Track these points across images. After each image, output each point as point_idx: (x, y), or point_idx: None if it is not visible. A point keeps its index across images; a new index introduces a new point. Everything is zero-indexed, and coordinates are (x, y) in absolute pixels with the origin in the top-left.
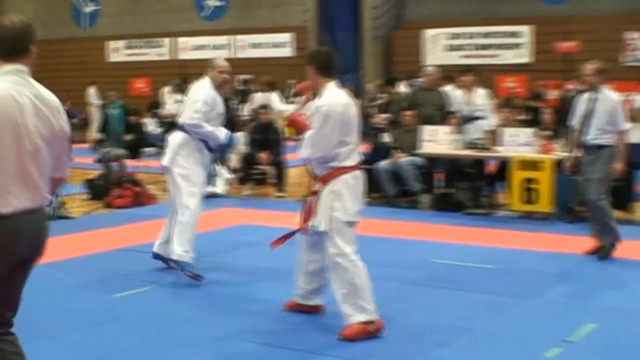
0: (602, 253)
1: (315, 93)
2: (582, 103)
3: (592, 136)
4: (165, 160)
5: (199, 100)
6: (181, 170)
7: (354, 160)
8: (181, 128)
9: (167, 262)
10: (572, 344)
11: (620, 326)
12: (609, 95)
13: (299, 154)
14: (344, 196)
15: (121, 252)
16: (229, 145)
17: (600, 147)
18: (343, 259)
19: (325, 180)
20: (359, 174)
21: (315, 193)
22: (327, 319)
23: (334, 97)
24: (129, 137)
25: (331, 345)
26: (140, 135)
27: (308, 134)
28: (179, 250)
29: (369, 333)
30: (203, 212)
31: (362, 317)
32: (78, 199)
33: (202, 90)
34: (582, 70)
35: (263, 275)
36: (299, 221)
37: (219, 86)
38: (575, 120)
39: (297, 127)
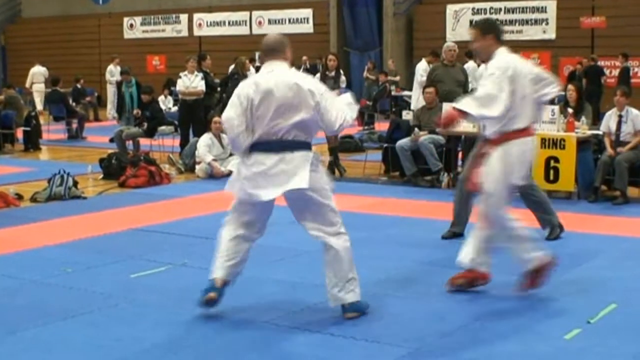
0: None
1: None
2: None
3: None
4: None
5: None
6: None
7: (525, 123)
8: None
9: None
10: (590, 325)
11: (639, 306)
12: None
13: (466, 110)
14: (512, 160)
15: (136, 232)
16: None
17: None
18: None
19: (495, 143)
20: (530, 139)
21: (482, 155)
22: None
23: (510, 59)
24: (137, 111)
25: (348, 326)
26: (156, 113)
27: (481, 92)
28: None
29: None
30: (218, 191)
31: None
32: (91, 179)
33: None
34: None
35: (278, 256)
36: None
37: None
38: None
39: (451, 122)
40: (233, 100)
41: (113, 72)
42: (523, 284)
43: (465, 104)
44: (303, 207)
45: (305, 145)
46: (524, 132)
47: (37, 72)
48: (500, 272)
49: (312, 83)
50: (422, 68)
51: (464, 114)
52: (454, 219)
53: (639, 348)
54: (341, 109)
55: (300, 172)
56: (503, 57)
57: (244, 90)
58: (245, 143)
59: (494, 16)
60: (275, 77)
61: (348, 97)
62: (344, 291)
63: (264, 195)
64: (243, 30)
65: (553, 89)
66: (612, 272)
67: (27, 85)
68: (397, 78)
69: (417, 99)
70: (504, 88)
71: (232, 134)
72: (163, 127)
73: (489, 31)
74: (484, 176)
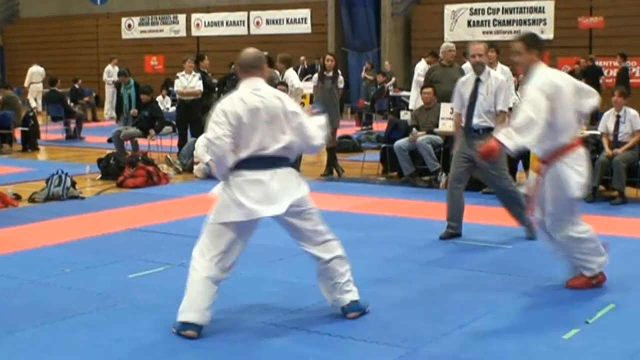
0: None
1: None
2: None
3: None
4: None
5: None
6: None
7: (570, 137)
8: None
9: None
10: (589, 325)
11: (637, 306)
12: None
13: (505, 144)
14: (567, 176)
15: (134, 232)
16: None
17: None
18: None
19: (547, 162)
20: (579, 151)
21: (538, 177)
22: None
23: (550, 76)
24: (134, 111)
25: (347, 326)
26: (155, 113)
27: (521, 119)
28: None
29: (593, 285)
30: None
31: (588, 273)
32: (89, 179)
33: None
34: None
35: (277, 256)
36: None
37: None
38: None
39: (492, 154)
40: (219, 118)
41: (111, 72)
42: (570, 282)
43: (505, 135)
44: (291, 220)
45: (290, 163)
46: (572, 146)
47: (36, 72)
48: (498, 272)
49: (292, 104)
50: (421, 68)
51: (503, 145)
52: (449, 219)
53: (637, 348)
54: (318, 130)
55: (295, 185)
56: (543, 74)
57: (231, 108)
58: (230, 163)
59: (491, 16)
60: (262, 96)
61: (322, 119)
62: (341, 294)
63: (267, 211)
64: (241, 30)
65: (593, 101)
66: (610, 272)
67: (26, 84)
68: (392, 80)
69: (415, 99)
70: (542, 110)
71: (220, 153)
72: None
73: (534, 46)
74: (546, 200)
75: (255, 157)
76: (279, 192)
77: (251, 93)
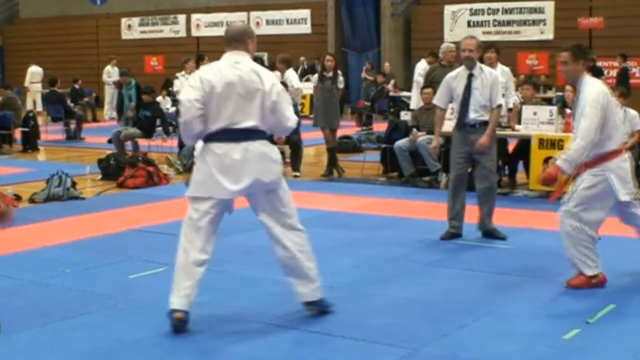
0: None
1: None
2: None
3: None
4: None
5: None
6: None
7: (618, 144)
8: None
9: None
10: (589, 325)
11: (637, 306)
12: None
13: (565, 168)
14: (613, 181)
15: (134, 232)
16: None
17: None
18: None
19: (590, 165)
20: (624, 157)
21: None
22: (340, 301)
23: (601, 87)
24: (132, 105)
25: (347, 327)
26: (157, 114)
27: (582, 139)
28: None
29: (592, 285)
30: None
31: (590, 271)
32: (90, 179)
33: None
34: None
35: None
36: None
37: None
38: None
39: (554, 180)
40: (195, 83)
41: (110, 72)
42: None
43: (565, 160)
44: (264, 198)
45: (266, 136)
46: (619, 152)
47: (35, 72)
48: (498, 273)
49: (272, 80)
50: (422, 68)
51: (563, 170)
52: (450, 219)
53: (637, 348)
54: (292, 113)
55: (269, 162)
56: (592, 85)
57: (208, 76)
58: (197, 130)
59: (491, 17)
60: (240, 70)
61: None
62: (305, 287)
63: (237, 188)
64: None
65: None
66: (610, 272)
67: (26, 84)
68: (392, 82)
69: (417, 99)
70: (596, 122)
71: (188, 117)
72: (161, 128)
73: (580, 57)
74: (581, 198)
75: (227, 130)
76: (247, 170)
77: (230, 66)
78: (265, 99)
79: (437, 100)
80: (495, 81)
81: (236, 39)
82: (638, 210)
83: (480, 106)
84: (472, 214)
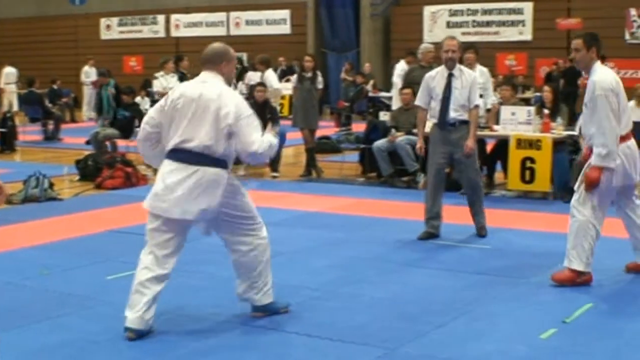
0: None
1: None
2: None
3: None
4: None
5: None
6: None
7: (626, 130)
8: None
9: None
10: (566, 324)
11: (615, 306)
12: None
13: (606, 165)
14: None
15: (112, 233)
16: None
17: None
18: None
19: None
20: (631, 142)
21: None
22: (318, 301)
23: (611, 74)
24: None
25: (324, 327)
26: (138, 115)
27: (605, 134)
28: None
29: (577, 283)
30: None
31: (581, 267)
32: (67, 180)
33: None
34: None
35: None
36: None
37: None
38: None
39: (597, 183)
40: (161, 101)
41: (88, 73)
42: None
43: (599, 159)
44: (214, 219)
45: (219, 162)
46: (627, 137)
47: (10, 73)
48: (476, 272)
49: (235, 105)
50: (401, 68)
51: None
52: (429, 218)
53: (614, 347)
54: (261, 139)
55: (212, 190)
56: (603, 72)
57: (175, 94)
58: (149, 151)
59: (470, 17)
60: (203, 88)
61: (273, 139)
62: (254, 291)
63: (174, 213)
64: (220, 31)
65: None
66: None
67: (1, 85)
68: (371, 82)
69: (398, 99)
70: (611, 111)
71: (140, 136)
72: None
73: (593, 44)
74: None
75: (178, 149)
76: (184, 196)
77: (196, 83)
78: (220, 120)
79: (419, 100)
80: (473, 82)
81: (210, 61)
82: (638, 200)
83: (459, 105)
84: (449, 214)
